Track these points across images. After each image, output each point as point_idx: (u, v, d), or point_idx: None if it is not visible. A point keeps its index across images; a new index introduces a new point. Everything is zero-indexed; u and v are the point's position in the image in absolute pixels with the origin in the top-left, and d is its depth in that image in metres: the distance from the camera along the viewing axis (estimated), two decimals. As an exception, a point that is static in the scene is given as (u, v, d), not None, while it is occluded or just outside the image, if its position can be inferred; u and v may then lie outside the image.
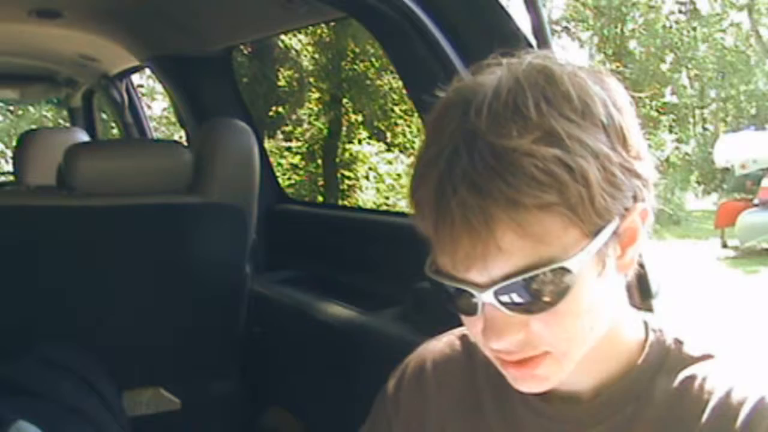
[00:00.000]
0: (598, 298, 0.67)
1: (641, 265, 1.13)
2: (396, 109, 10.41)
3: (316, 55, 10.41)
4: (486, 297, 0.65)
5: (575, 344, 0.68)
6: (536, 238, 0.62)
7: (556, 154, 0.61)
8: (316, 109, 10.66)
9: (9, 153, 12.57)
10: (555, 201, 0.61)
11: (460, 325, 0.74)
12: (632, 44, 15.46)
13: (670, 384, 0.73)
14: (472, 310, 0.67)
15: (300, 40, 10.28)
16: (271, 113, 10.15)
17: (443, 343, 0.88)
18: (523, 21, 1.22)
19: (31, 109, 13.60)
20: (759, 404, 0.67)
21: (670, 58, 15.55)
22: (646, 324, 0.78)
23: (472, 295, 0.66)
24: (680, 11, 15.44)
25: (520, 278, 0.63)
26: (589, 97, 0.64)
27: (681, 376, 0.73)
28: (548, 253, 0.62)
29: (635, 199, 0.66)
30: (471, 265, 0.64)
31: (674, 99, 15.85)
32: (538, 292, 0.64)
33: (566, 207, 0.61)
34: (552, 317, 0.65)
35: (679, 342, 0.75)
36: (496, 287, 0.64)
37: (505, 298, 0.65)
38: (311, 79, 10.60)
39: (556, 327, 0.66)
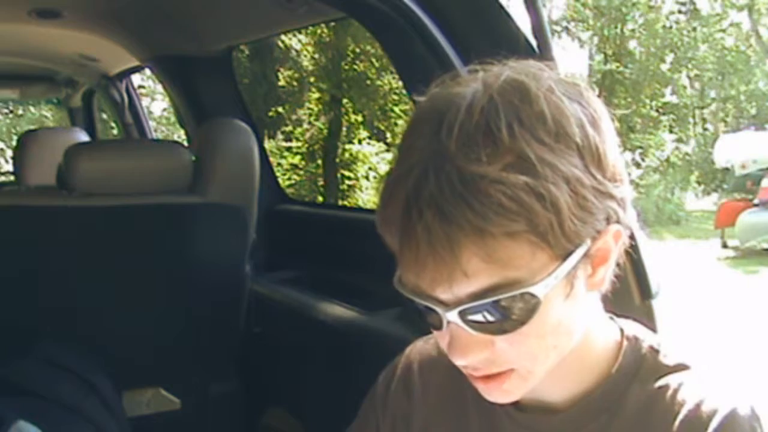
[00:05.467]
0: (565, 317, 0.67)
1: (641, 265, 1.13)
2: (396, 109, 10.41)
3: (316, 55, 10.41)
4: (451, 316, 0.64)
5: (539, 362, 0.68)
6: (503, 263, 0.61)
7: (526, 182, 0.60)
8: (316, 109, 10.66)
9: (9, 152, 12.57)
10: (523, 229, 0.60)
11: None
12: (632, 44, 15.45)
13: (643, 393, 0.73)
14: (438, 326, 0.67)
15: (300, 40, 10.28)
16: (271, 113, 10.15)
17: (430, 344, 0.88)
18: (523, 21, 1.22)
19: (31, 109, 13.61)
20: (728, 416, 0.67)
21: (670, 58, 15.54)
22: (622, 332, 0.77)
23: (438, 312, 0.65)
24: (680, 11, 15.43)
25: (485, 301, 0.63)
26: (565, 118, 0.63)
27: (654, 385, 0.72)
28: (515, 275, 0.62)
29: (608, 221, 0.65)
30: (436, 286, 0.64)
31: (674, 99, 15.85)
32: (503, 314, 0.64)
33: (535, 234, 0.61)
34: (516, 337, 0.65)
35: (654, 350, 0.75)
36: (460, 307, 0.64)
37: (469, 318, 0.64)
38: (311, 79, 10.60)
39: (521, 346, 0.66)
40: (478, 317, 0.64)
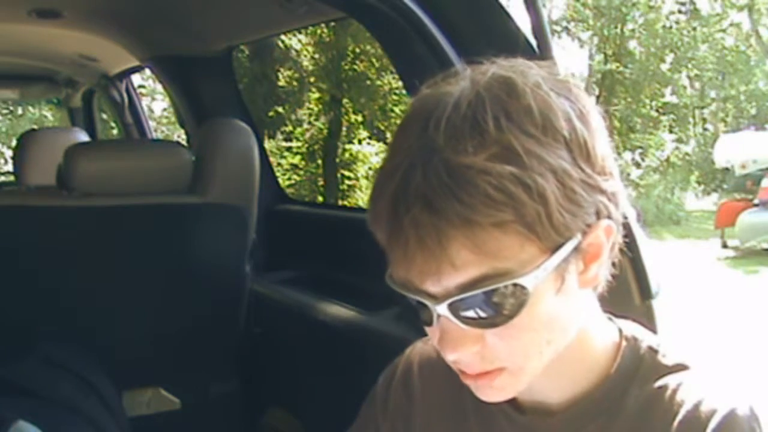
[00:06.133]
0: (557, 313, 0.66)
1: (641, 265, 1.13)
2: (396, 109, 10.41)
3: (316, 55, 10.42)
4: (441, 309, 0.64)
5: (531, 359, 0.68)
6: (491, 255, 0.61)
7: (512, 172, 0.60)
8: (316, 109, 10.67)
9: (9, 153, 12.57)
10: (511, 219, 0.60)
11: None
12: (632, 44, 15.46)
13: (642, 394, 0.72)
14: (429, 321, 0.67)
15: (300, 40, 10.29)
16: (271, 113, 10.16)
17: (430, 346, 0.88)
18: (523, 21, 1.22)
19: (30, 109, 13.61)
20: (727, 417, 0.67)
21: (670, 58, 15.56)
22: (620, 332, 0.77)
23: (428, 306, 0.65)
24: (680, 11, 15.44)
25: (474, 292, 0.62)
26: (552, 112, 0.63)
27: (653, 386, 0.72)
28: (504, 266, 0.62)
29: (598, 215, 0.65)
30: (425, 279, 0.63)
31: (674, 99, 15.86)
32: (492, 307, 0.63)
33: (522, 225, 0.61)
34: (507, 332, 0.65)
35: (653, 350, 0.75)
36: (450, 300, 0.63)
37: (459, 312, 0.64)
38: (311, 79, 10.60)
39: (512, 341, 0.66)
40: (467, 311, 0.64)
